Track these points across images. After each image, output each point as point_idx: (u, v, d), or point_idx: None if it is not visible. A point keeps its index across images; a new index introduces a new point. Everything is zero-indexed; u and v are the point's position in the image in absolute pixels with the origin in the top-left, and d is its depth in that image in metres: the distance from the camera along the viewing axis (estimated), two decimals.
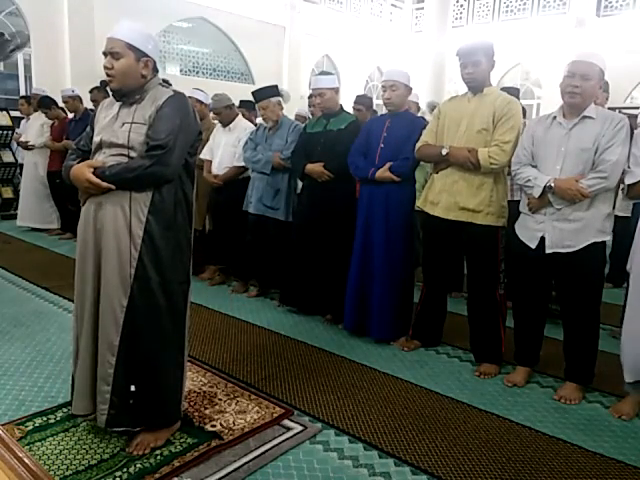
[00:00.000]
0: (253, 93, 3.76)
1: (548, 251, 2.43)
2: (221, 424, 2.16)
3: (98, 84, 5.14)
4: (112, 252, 1.87)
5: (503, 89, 3.05)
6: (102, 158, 1.91)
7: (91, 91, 5.15)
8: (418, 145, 2.84)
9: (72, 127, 5.59)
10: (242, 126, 4.03)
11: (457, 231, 2.76)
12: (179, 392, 2.05)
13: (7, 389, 2.43)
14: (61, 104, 5.83)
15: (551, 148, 2.42)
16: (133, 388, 1.94)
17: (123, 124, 1.90)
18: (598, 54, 2.37)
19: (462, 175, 2.69)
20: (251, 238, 3.83)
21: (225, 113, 4.00)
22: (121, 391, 1.92)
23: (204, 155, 4.06)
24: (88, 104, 5.69)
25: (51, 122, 5.92)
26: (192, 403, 2.32)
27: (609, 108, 3.38)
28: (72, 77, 8.91)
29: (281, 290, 3.68)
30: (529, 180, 2.44)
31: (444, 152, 2.69)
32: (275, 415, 2.24)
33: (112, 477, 1.83)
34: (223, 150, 3.98)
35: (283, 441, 2.07)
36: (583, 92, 2.31)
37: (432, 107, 5.25)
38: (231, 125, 4.02)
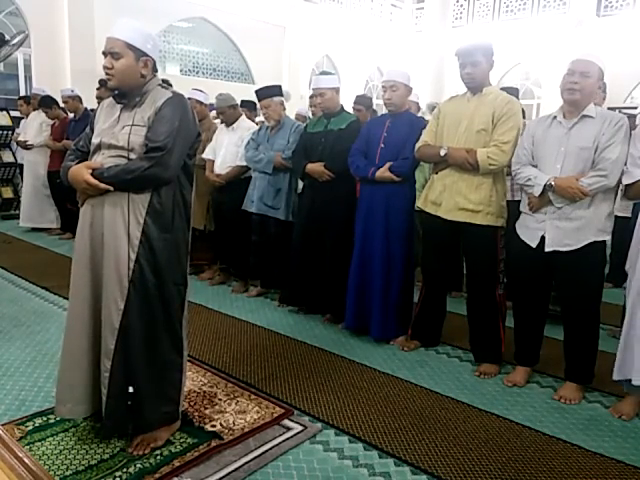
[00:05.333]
0: (256, 92, 3.77)
1: (547, 249, 2.43)
2: (221, 424, 2.16)
3: (98, 84, 5.13)
4: (109, 254, 1.86)
5: (503, 89, 3.05)
6: (101, 159, 1.91)
7: (98, 88, 5.14)
8: (417, 145, 2.84)
9: (72, 127, 5.59)
10: (245, 126, 4.04)
11: (457, 231, 2.76)
12: (178, 393, 2.04)
13: (7, 389, 2.44)
14: (61, 104, 5.82)
15: (551, 147, 2.42)
16: (131, 389, 1.93)
17: (123, 127, 1.90)
18: (598, 55, 2.38)
19: (461, 175, 2.69)
20: (256, 238, 3.83)
21: (229, 113, 4.00)
22: (116, 396, 1.90)
23: (207, 155, 4.06)
24: (88, 104, 5.69)
25: (51, 121, 5.92)
26: (192, 403, 2.32)
27: (609, 108, 3.38)
28: (72, 77, 8.90)
29: (282, 290, 3.68)
30: (529, 179, 2.44)
31: (442, 153, 2.69)
32: (275, 415, 2.24)
33: (112, 477, 1.83)
34: (226, 150, 3.98)
35: (283, 441, 2.07)
36: (582, 89, 2.32)
37: (432, 108, 5.25)
38: (234, 125, 4.02)
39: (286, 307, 3.70)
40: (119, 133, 1.90)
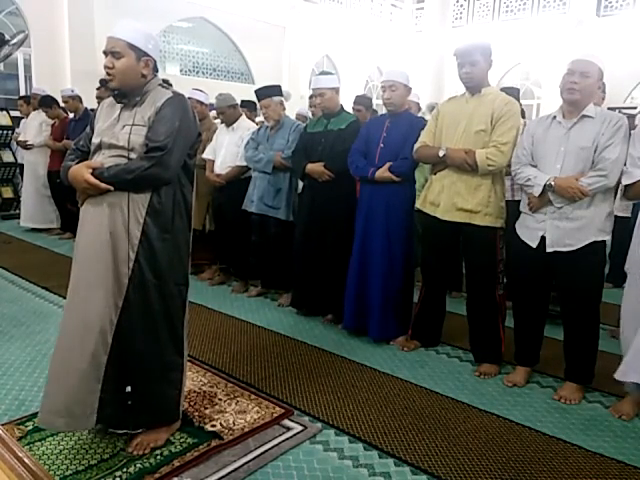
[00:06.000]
0: (256, 92, 3.77)
1: (549, 250, 2.43)
2: (221, 424, 2.16)
3: (98, 84, 5.13)
4: (109, 253, 1.86)
5: (503, 89, 3.05)
6: (101, 159, 1.91)
7: (98, 88, 5.15)
8: (416, 146, 2.84)
9: (72, 127, 5.59)
10: (245, 126, 4.03)
11: (456, 231, 2.76)
12: (178, 393, 2.04)
13: (7, 389, 2.44)
14: (62, 104, 5.82)
15: (551, 147, 2.42)
16: (129, 389, 1.93)
17: (124, 126, 1.90)
18: (598, 55, 2.38)
19: (460, 176, 2.69)
20: (256, 238, 3.83)
21: (229, 113, 4.00)
22: (112, 390, 1.89)
23: (207, 155, 4.06)
24: (88, 104, 5.69)
25: (51, 121, 5.92)
26: (192, 403, 2.32)
27: (609, 108, 3.39)
28: (72, 77, 8.91)
29: (292, 293, 3.66)
30: (529, 179, 2.44)
31: (441, 154, 2.69)
32: (275, 415, 2.25)
33: (112, 477, 1.83)
34: (226, 150, 3.98)
35: (283, 441, 2.07)
36: (582, 89, 2.33)
37: (432, 108, 5.25)
38: (234, 125, 4.02)
39: (286, 307, 3.70)
40: (119, 133, 1.89)
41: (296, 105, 7.62)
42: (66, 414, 1.85)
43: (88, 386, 1.86)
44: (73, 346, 1.87)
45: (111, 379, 1.89)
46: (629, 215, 3.76)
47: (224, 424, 2.16)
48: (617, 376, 2.27)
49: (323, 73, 3.66)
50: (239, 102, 4.34)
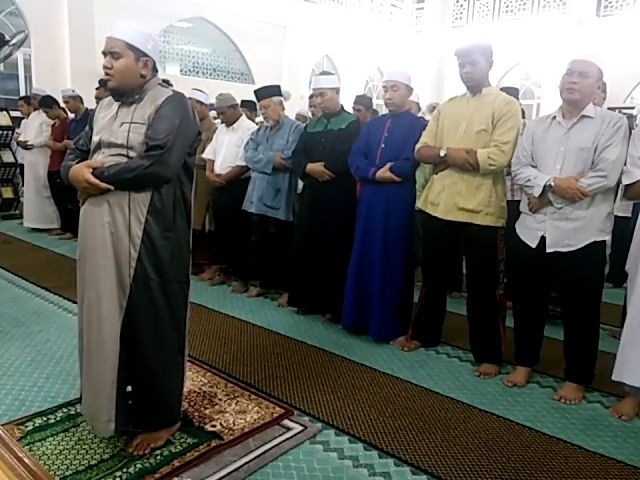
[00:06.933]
0: (255, 92, 3.77)
1: (549, 250, 2.43)
2: (221, 424, 2.16)
3: (97, 83, 5.13)
4: (111, 253, 1.86)
5: (502, 89, 3.05)
6: (101, 158, 1.90)
7: (98, 88, 5.14)
8: (417, 146, 2.84)
9: (73, 127, 5.59)
10: (245, 126, 4.03)
11: (456, 231, 2.76)
12: (179, 393, 2.04)
13: (7, 389, 2.43)
14: (62, 104, 5.82)
15: (551, 148, 2.42)
16: (129, 389, 1.93)
17: (122, 124, 1.89)
18: (597, 55, 2.38)
19: (461, 176, 2.69)
20: (256, 239, 3.83)
21: (229, 113, 4.00)
22: (120, 392, 1.90)
23: (207, 155, 4.06)
24: (89, 104, 5.69)
25: (52, 122, 5.92)
26: (192, 403, 2.32)
27: (609, 108, 3.38)
28: (72, 77, 8.91)
29: (289, 292, 3.67)
30: (529, 180, 2.44)
31: (442, 154, 2.69)
32: (275, 415, 2.25)
33: (112, 477, 1.83)
34: (226, 150, 3.98)
35: (283, 441, 2.07)
36: (581, 89, 2.33)
37: (432, 108, 5.25)
38: (234, 125, 4.02)
39: (286, 307, 3.70)
40: (117, 130, 1.89)
41: (296, 105, 7.62)
42: (90, 416, 1.95)
43: (105, 390, 1.89)
44: (93, 350, 1.91)
45: (120, 381, 1.90)
46: (629, 215, 3.76)
47: (224, 424, 2.16)
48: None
49: (323, 73, 3.66)
50: (239, 102, 4.34)
